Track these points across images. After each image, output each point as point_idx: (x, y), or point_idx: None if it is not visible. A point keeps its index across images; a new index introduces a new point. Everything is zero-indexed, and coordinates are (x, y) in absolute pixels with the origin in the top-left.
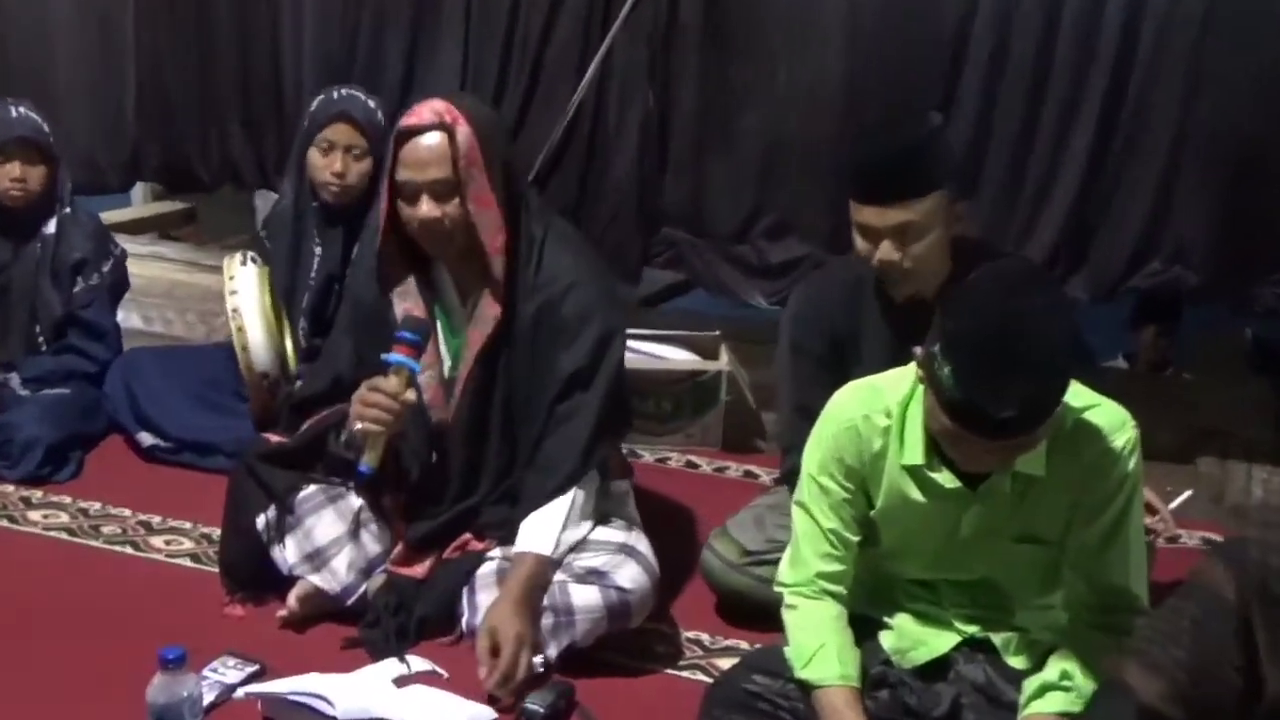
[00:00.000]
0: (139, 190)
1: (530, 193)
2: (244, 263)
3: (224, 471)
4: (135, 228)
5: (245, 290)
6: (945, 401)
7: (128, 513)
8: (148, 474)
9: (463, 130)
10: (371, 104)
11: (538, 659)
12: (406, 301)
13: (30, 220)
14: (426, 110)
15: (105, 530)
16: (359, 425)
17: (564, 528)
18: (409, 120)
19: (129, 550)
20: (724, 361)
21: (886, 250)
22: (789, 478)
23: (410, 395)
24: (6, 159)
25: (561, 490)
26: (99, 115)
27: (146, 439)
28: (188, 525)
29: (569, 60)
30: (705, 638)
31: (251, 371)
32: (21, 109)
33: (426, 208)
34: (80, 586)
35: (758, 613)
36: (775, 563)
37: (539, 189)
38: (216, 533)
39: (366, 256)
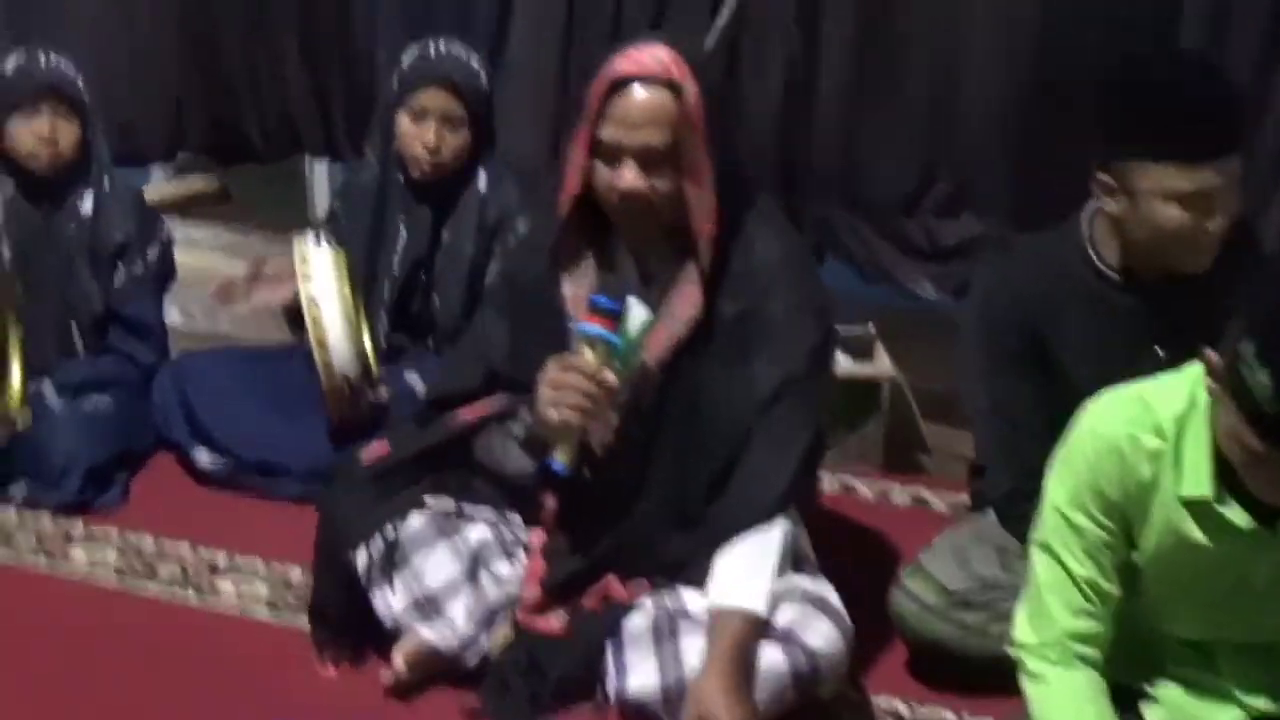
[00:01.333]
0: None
1: (742, 169)
2: (317, 244)
3: (296, 498)
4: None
5: (321, 277)
6: (1256, 417)
7: (186, 548)
8: (207, 500)
9: (691, 90)
10: (475, 64)
11: None
12: (577, 284)
13: (59, 191)
14: (648, 57)
15: (162, 571)
16: (552, 413)
17: (773, 577)
18: (625, 66)
19: (191, 596)
20: (884, 363)
21: (1215, 220)
22: (1001, 503)
23: (610, 376)
24: (34, 112)
25: (760, 522)
26: (135, 72)
27: (204, 458)
28: (260, 565)
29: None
30: (900, 706)
31: (330, 374)
32: (53, 56)
33: (631, 176)
34: (133, 641)
35: (962, 670)
36: (984, 607)
37: None
38: (297, 573)
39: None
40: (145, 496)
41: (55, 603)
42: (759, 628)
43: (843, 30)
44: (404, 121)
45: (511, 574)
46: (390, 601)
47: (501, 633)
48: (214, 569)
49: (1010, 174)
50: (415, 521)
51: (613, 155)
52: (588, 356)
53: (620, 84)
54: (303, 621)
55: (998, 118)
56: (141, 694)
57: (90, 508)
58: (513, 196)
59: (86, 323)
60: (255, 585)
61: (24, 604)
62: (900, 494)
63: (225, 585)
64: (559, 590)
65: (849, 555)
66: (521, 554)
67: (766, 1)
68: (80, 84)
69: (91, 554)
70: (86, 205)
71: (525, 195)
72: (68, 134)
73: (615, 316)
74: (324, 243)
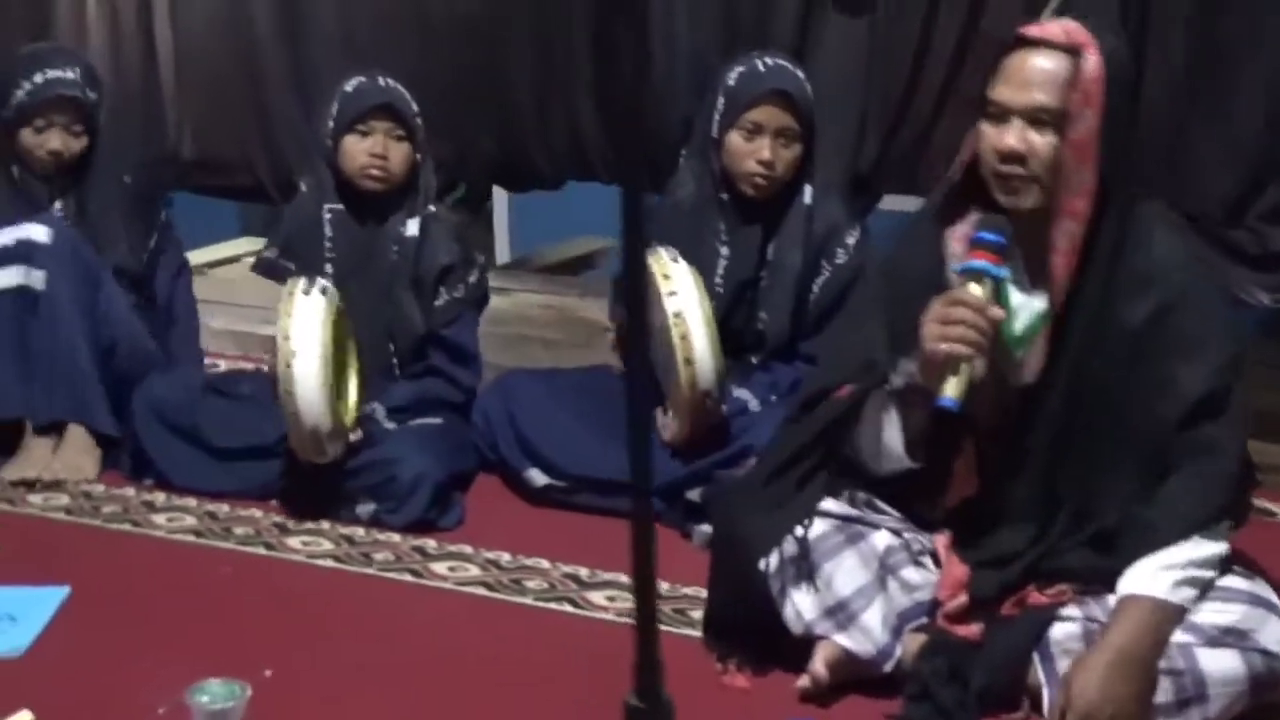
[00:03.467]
0: None
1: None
2: (674, 260)
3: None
4: None
5: (685, 291)
6: None
7: (546, 564)
8: (545, 519)
9: (1091, 60)
10: (800, 75)
11: None
12: (962, 240)
13: (384, 212)
14: (1055, 25)
15: (530, 585)
16: (941, 346)
17: (1186, 567)
18: (1029, 30)
19: (568, 609)
20: None
21: None
22: None
23: (998, 310)
24: (368, 131)
25: (1189, 535)
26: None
27: (538, 477)
28: (623, 578)
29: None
30: None
31: (694, 389)
32: (390, 81)
33: (1013, 136)
34: (509, 650)
35: None
36: None
37: None
38: (664, 587)
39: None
40: (482, 515)
41: (428, 614)
42: (1167, 616)
43: (1170, 35)
44: (735, 139)
45: (921, 580)
46: (800, 609)
47: (916, 640)
48: (580, 582)
49: None
50: (820, 527)
51: (1000, 114)
52: (974, 290)
53: (1017, 43)
54: (690, 632)
55: None
56: (528, 702)
57: (434, 527)
58: (838, 209)
59: (406, 345)
60: (629, 599)
61: (397, 614)
62: None
63: (597, 598)
64: (988, 597)
65: None
66: (929, 561)
67: (1091, 5)
68: (414, 107)
69: (454, 569)
70: (412, 228)
71: (849, 206)
72: (398, 154)
73: (1000, 250)
74: (680, 258)
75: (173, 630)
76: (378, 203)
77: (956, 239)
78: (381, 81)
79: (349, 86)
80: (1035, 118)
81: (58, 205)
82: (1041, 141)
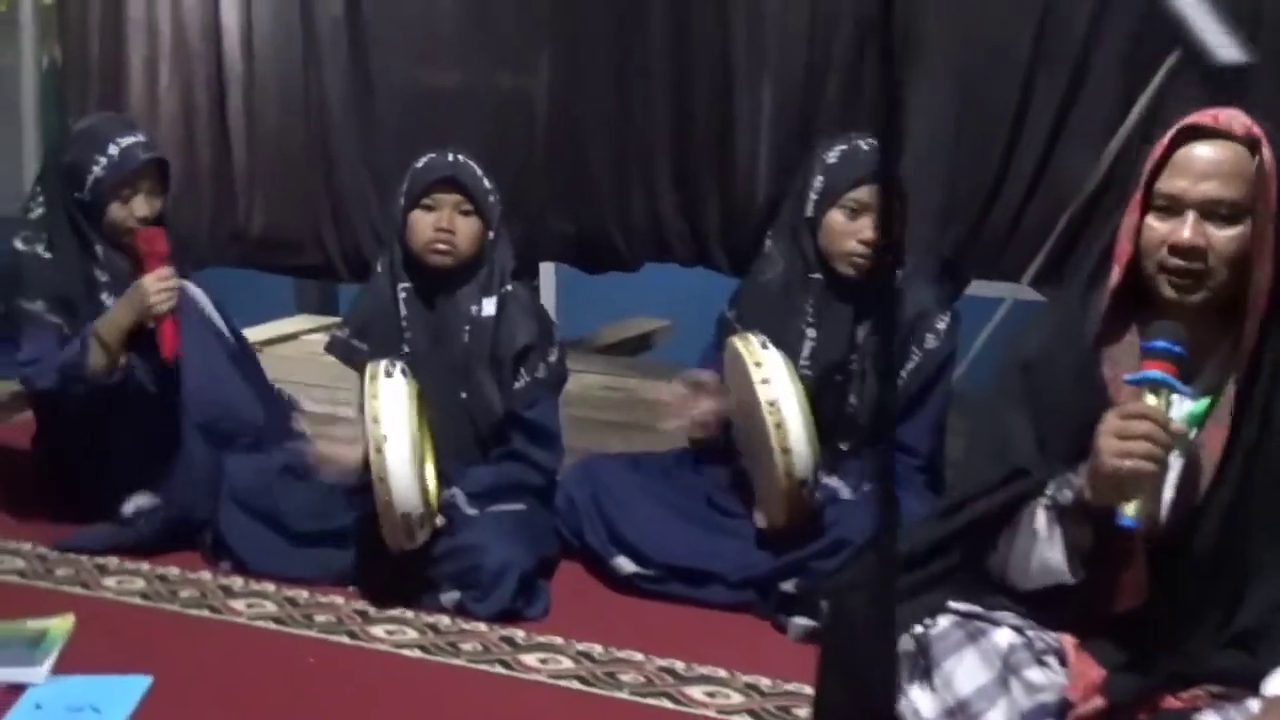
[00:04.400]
0: None
1: None
2: (764, 346)
3: (727, 606)
4: None
5: (779, 379)
6: None
7: (640, 657)
8: (634, 608)
9: (1267, 152)
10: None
11: None
12: (1117, 365)
13: (452, 291)
14: (1224, 114)
15: (624, 678)
16: (1122, 463)
17: None
18: (1196, 118)
19: (666, 704)
20: None
21: None
22: None
23: (1178, 424)
24: (434, 206)
25: None
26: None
27: (626, 565)
28: (723, 672)
29: (1108, 92)
30: None
31: (790, 479)
32: (460, 157)
33: (1191, 229)
34: None
35: None
36: None
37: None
38: (765, 683)
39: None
40: (568, 604)
41: (522, 708)
42: None
43: None
44: (836, 217)
45: (1045, 681)
46: (918, 707)
47: None
48: (677, 676)
49: None
50: (940, 623)
51: (1171, 208)
52: (1153, 402)
53: (1190, 132)
54: None
55: None
56: None
57: (521, 616)
58: (927, 293)
59: (485, 427)
60: (729, 695)
61: (489, 707)
62: None
63: (695, 693)
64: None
65: None
66: (1053, 661)
67: (1179, 109)
68: (487, 184)
69: (545, 662)
70: (488, 307)
71: (938, 290)
72: (466, 229)
73: (1177, 360)
74: (769, 345)
75: None
76: (447, 280)
77: (1111, 365)
78: (450, 156)
79: (420, 163)
80: (1211, 211)
81: None
82: (1220, 235)
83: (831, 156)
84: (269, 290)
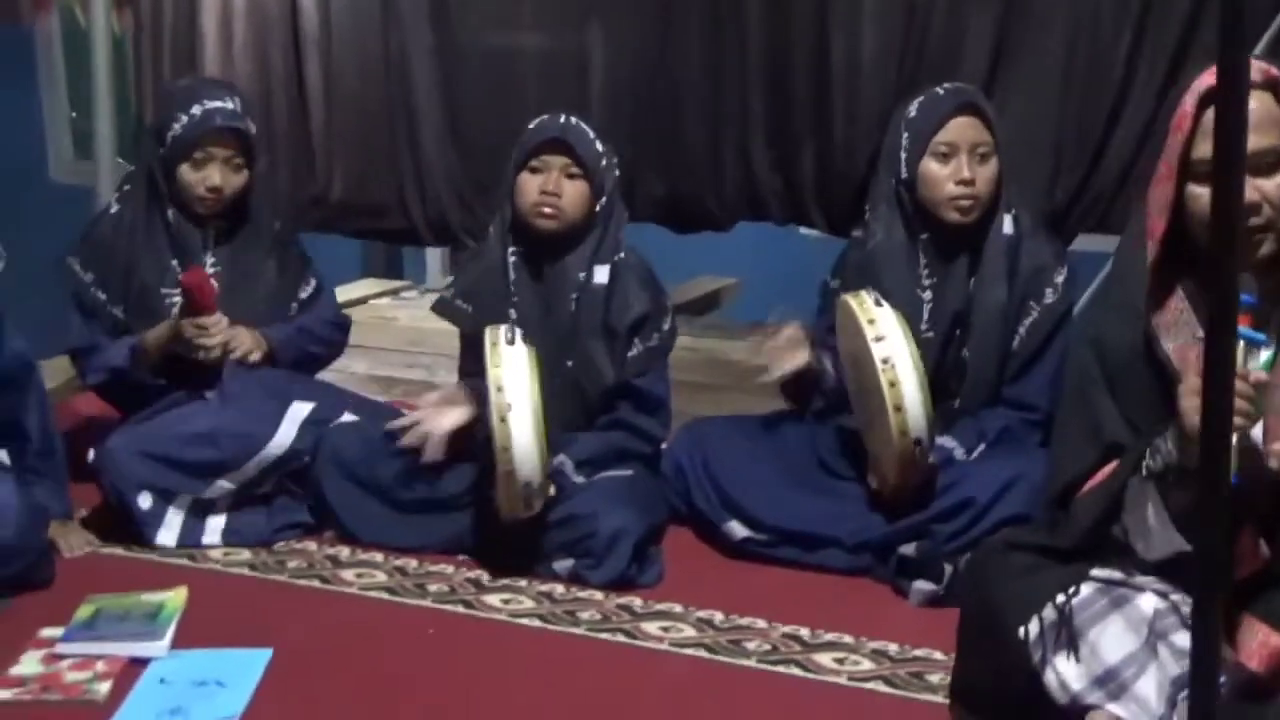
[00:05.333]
0: None
1: None
2: (878, 303)
3: (844, 570)
4: None
5: (892, 335)
6: None
7: (762, 624)
8: (748, 574)
9: None
10: (982, 101)
11: None
12: (1177, 335)
13: (559, 256)
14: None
15: (749, 646)
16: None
17: None
18: (1210, 79)
19: (796, 671)
20: None
21: None
22: None
23: (1261, 373)
24: (540, 168)
25: None
26: None
27: (739, 530)
28: (850, 639)
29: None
30: None
31: (904, 437)
32: (573, 119)
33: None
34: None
35: None
36: None
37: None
38: (893, 649)
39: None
40: (681, 571)
41: (649, 677)
42: None
43: None
44: (930, 166)
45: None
46: (1066, 679)
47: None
48: (802, 643)
49: None
50: (1083, 591)
51: (1210, 172)
52: (1244, 360)
53: (1210, 95)
54: (929, 697)
55: None
56: None
57: (635, 584)
58: (1045, 247)
59: (593, 395)
60: (859, 661)
61: (613, 676)
62: None
63: (824, 660)
64: None
65: None
66: None
67: None
68: (599, 147)
69: (670, 630)
70: (600, 275)
71: (1055, 244)
72: (573, 192)
73: (1252, 311)
74: (882, 302)
75: (383, 693)
76: (555, 245)
77: (1170, 338)
78: (563, 118)
79: (533, 124)
80: (1255, 165)
81: (210, 258)
82: (1270, 185)
83: (912, 110)
84: (334, 253)
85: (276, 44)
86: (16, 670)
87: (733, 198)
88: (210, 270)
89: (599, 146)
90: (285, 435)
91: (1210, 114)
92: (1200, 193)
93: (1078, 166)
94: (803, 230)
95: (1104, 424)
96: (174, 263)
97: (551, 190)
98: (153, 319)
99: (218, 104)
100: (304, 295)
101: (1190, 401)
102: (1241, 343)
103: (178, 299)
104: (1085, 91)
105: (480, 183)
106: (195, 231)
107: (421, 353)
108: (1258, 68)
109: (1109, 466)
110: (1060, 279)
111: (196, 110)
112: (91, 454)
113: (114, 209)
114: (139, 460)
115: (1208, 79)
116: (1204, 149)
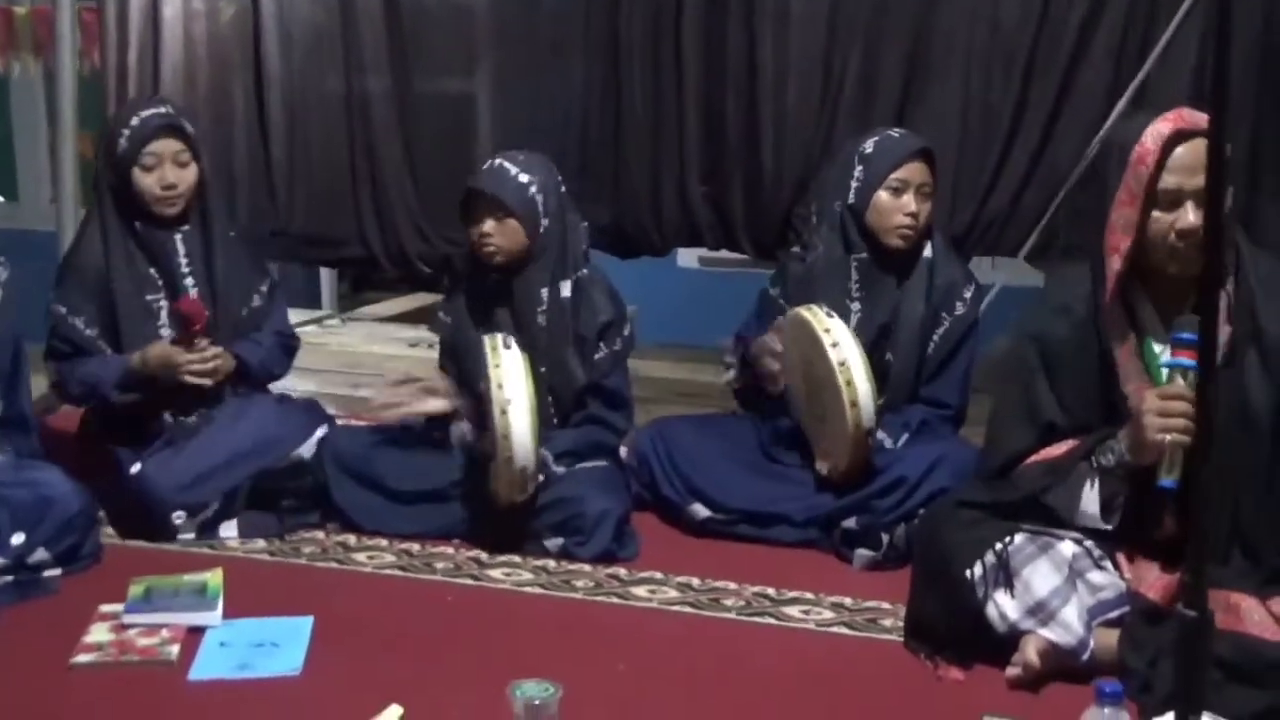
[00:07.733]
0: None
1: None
2: (829, 314)
3: (793, 543)
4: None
5: (846, 342)
6: None
7: (734, 585)
8: (711, 548)
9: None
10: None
11: None
12: (1120, 346)
13: (509, 281)
14: (1184, 113)
15: (727, 603)
16: (1166, 438)
17: None
18: (1175, 123)
19: (771, 621)
20: None
21: None
22: None
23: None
24: (475, 215)
25: None
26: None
27: (701, 511)
28: (810, 595)
29: (1097, 87)
30: None
31: (859, 429)
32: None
33: (1195, 216)
34: (709, 655)
35: None
36: None
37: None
38: (848, 601)
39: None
40: (653, 546)
41: (646, 631)
42: None
43: (1238, 138)
44: (882, 197)
45: (1104, 581)
46: (1004, 610)
47: (1107, 634)
48: (771, 600)
49: None
50: (1018, 539)
51: (1173, 201)
52: (1180, 384)
53: (1177, 139)
54: (885, 637)
55: None
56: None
57: (616, 558)
58: (957, 266)
59: (567, 396)
60: (823, 613)
61: (615, 632)
62: None
63: (792, 611)
64: None
65: None
66: (1109, 565)
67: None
68: (522, 180)
69: (656, 593)
70: (565, 290)
71: (964, 264)
72: (506, 231)
73: (1194, 347)
74: (832, 315)
75: (420, 647)
76: (510, 270)
77: (1117, 347)
78: (487, 164)
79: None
80: (1201, 197)
81: (184, 259)
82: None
83: (868, 147)
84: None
85: (239, 85)
86: (90, 639)
87: (671, 227)
88: (185, 270)
89: (523, 179)
90: (308, 449)
91: (1177, 152)
92: (1160, 216)
93: (973, 198)
94: (680, 264)
95: (1042, 407)
96: (151, 270)
97: (486, 233)
98: (137, 326)
99: (153, 110)
100: (264, 288)
101: (1150, 419)
102: (1190, 373)
103: (162, 304)
104: (980, 131)
105: (436, 215)
106: (164, 234)
107: (363, 373)
108: (1203, 116)
109: (1059, 447)
110: (969, 294)
111: (135, 121)
112: (136, 467)
113: (83, 236)
114: (178, 491)
115: (1163, 125)
116: (1169, 181)
